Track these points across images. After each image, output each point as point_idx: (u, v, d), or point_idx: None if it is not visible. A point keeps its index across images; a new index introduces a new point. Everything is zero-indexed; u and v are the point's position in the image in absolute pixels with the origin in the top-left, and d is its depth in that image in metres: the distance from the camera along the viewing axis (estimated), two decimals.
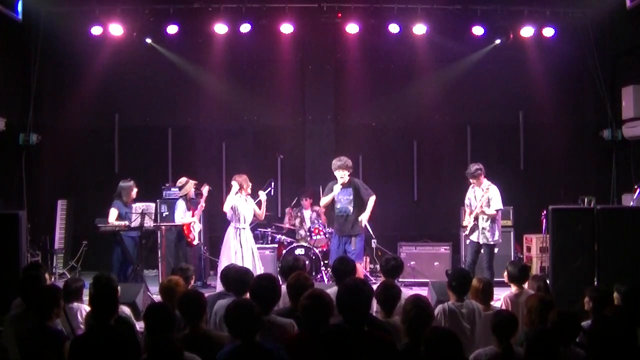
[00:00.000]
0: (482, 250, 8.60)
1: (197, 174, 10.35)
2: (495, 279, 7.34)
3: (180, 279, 5.40)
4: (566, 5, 10.72)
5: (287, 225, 10.38)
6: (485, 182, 8.57)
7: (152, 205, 9.04)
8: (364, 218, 8.31)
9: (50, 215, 11.00)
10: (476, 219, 8.48)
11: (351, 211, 8.32)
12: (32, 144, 10.63)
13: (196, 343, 4.19)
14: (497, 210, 8.46)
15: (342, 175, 8.29)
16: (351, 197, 8.33)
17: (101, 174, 11.35)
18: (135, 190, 9.03)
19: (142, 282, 8.18)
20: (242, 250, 8.23)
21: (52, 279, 9.42)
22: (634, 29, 10.00)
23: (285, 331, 4.46)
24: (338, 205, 8.39)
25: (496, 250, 9.30)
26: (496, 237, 8.53)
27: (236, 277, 5.36)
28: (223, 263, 7.92)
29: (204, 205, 9.25)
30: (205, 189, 9.21)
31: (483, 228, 8.44)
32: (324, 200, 8.59)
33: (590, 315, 5.16)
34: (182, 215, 9.06)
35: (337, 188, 8.34)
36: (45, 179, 11.14)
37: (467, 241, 10.04)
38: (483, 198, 8.41)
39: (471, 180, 8.61)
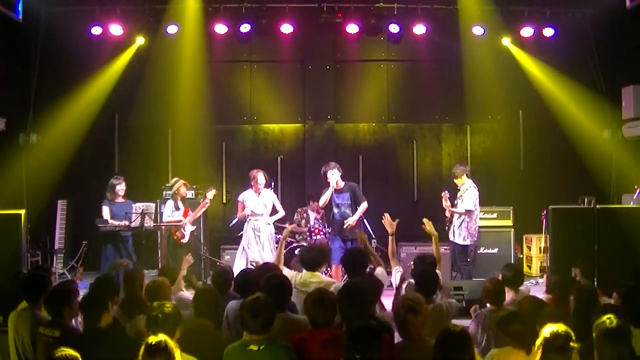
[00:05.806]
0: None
1: (197, 174, 10.33)
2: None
3: (166, 279, 5.36)
4: (566, 5, 10.73)
5: (294, 226, 10.20)
6: (467, 183, 8.78)
7: (152, 205, 9.04)
8: (350, 221, 8.53)
9: (50, 215, 10.98)
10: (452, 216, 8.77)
11: (350, 215, 8.62)
12: (32, 144, 10.63)
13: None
14: (466, 210, 8.62)
15: (332, 174, 8.54)
16: (349, 202, 8.66)
17: (101, 174, 11.29)
18: (120, 188, 8.98)
19: None
20: (249, 241, 8.78)
21: (52, 279, 9.40)
22: (634, 29, 9.99)
23: (301, 327, 4.41)
24: (337, 210, 8.69)
25: (470, 259, 8.90)
26: (466, 240, 8.66)
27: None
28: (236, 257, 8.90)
29: (206, 205, 9.21)
30: (210, 193, 9.15)
31: (454, 226, 8.72)
32: (323, 199, 8.81)
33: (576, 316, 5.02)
34: (168, 214, 9.11)
35: (331, 185, 8.61)
36: (45, 179, 11.13)
37: None
38: (459, 197, 8.72)
39: (454, 181, 8.86)
